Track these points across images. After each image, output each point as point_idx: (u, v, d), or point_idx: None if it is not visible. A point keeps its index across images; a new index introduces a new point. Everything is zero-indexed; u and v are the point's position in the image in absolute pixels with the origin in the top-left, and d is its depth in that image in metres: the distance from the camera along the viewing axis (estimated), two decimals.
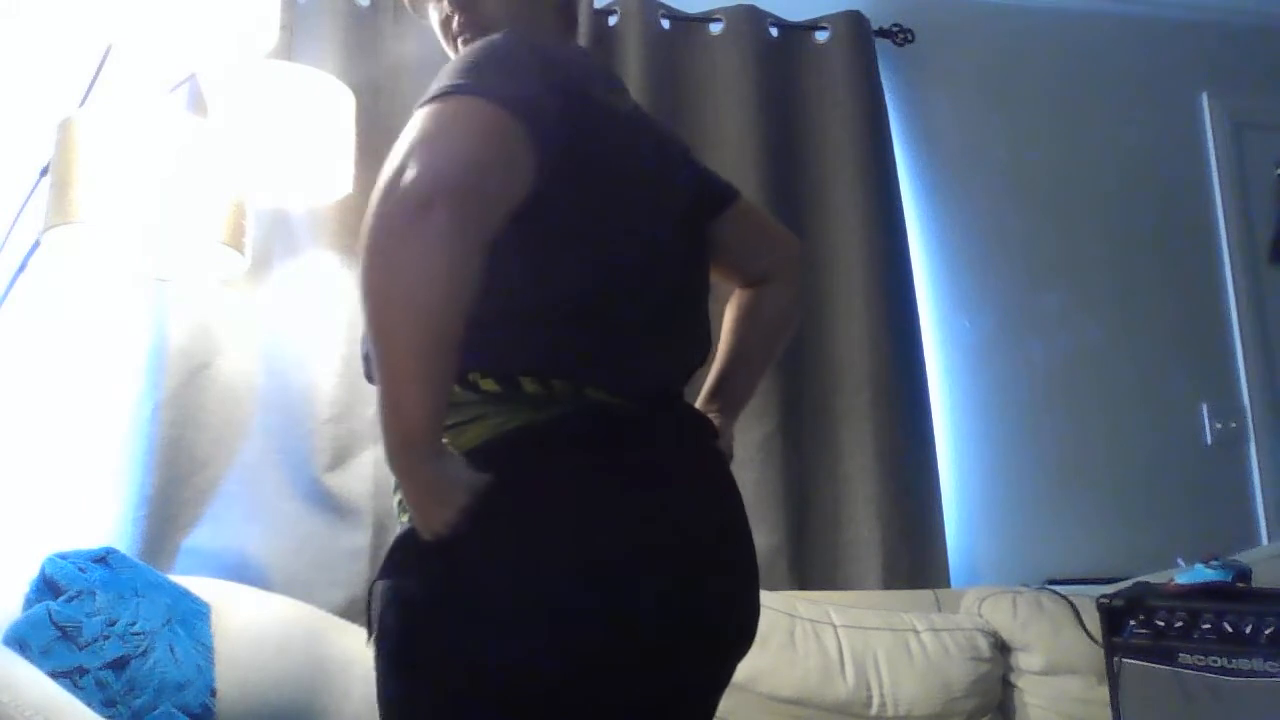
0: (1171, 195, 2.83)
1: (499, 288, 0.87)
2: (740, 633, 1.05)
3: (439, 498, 0.87)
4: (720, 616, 1.00)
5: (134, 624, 1.62)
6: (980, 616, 2.15)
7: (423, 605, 0.91)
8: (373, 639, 0.96)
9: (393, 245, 0.80)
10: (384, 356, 0.82)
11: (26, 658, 1.45)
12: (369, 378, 1.00)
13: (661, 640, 0.92)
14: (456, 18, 1.16)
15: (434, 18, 1.21)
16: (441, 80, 0.91)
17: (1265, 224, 2.87)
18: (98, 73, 1.92)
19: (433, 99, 0.89)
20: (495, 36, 0.99)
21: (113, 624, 1.59)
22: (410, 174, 0.80)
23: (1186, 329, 2.76)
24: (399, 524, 1.00)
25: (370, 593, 0.98)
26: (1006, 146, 2.74)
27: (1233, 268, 2.81)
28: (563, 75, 0.99)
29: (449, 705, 0.89)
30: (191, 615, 1.74)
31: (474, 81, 0.89)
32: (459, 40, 1.17)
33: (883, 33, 2.64)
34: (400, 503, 1.01)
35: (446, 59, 2.51)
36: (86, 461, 2.08)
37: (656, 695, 0.93)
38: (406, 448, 0.85)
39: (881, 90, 2.55)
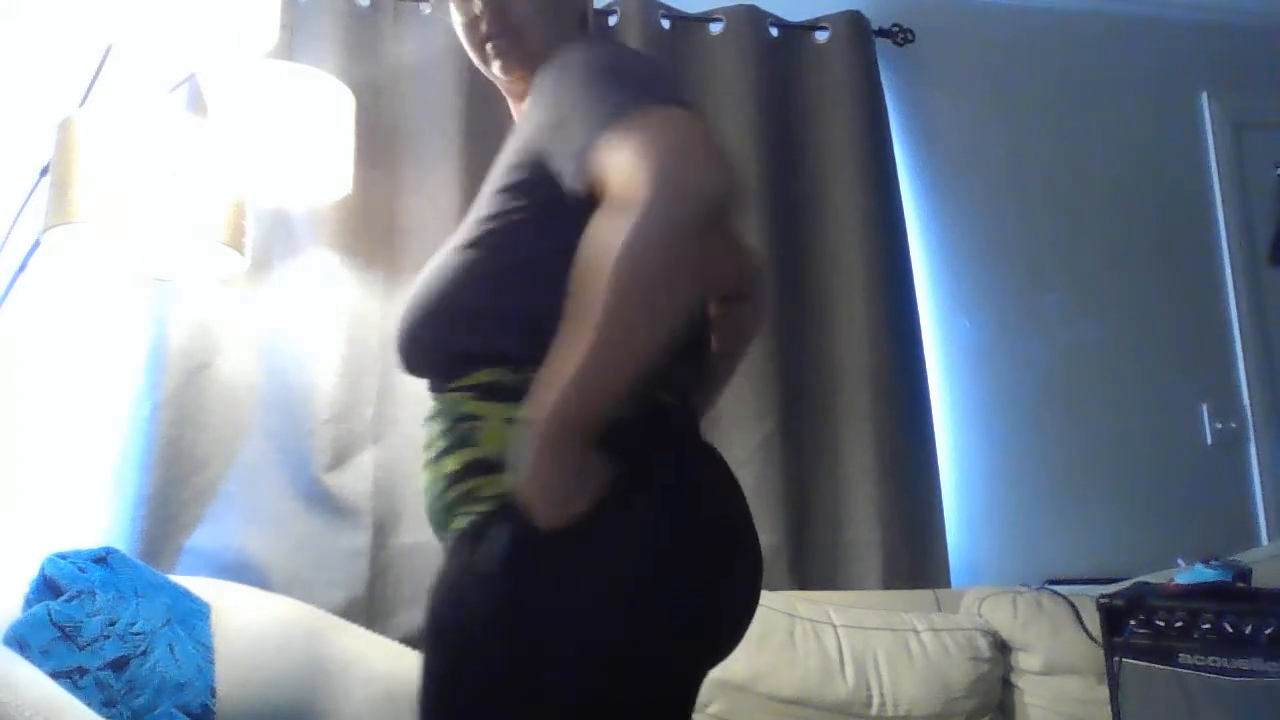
0: (1171, 195, 2.83)
1: None
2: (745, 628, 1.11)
3: (581, 485, 0.88)
4: (749, 612, 1.07)
5: (134, 624, 1.62)
6: (980, 616, 2.15)
7: (542, 590, 0.91)
8: (440, 628, 0.97)
9: (668, 254, 0.81)
10: (607, 343, 0.82)
11: (26, 658, 1.45)
12: (412, 367, 1.12)
13: (727, 627, 1.03)
14: (487, 20, 1.15)
15: (458, 18, 1.20)
16: (623, 88, 0.92)
17: (1265, 224, 2.87)
18: (98, 73, 1.92)
19: (646, 105, 0.88)
20: (608, 44, 1.10)
21: (113, 624, 1.59)
22: (684, 190, 0.81)
23: (1187, 329, 2.76)
24: (466, 516, 0.99)
25: (447, 582, 0.98)
26: (1006, 146, 2.74)
27: (1233, 268, 2.81)
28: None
29: (568, 670, 0.90)
30: (191, 615, 1.74)
31: (674, 95, 0.91)
32: (489, 44, 1.16)
33: (883, 33, 2.64)
34: (468, 494, 1.00)
35: (446, 59, 2.50)
36: (86, 461, 2.08)
37: (698, 680, 1.02)
38: (577, 430, 0.86)
39: (881, 90, 2.55)
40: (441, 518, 1.04)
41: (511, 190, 1.05)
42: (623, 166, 0.83)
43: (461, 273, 1.07)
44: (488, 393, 1.01)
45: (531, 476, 0.86)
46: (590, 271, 0.82)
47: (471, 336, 1.04)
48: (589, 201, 0.87)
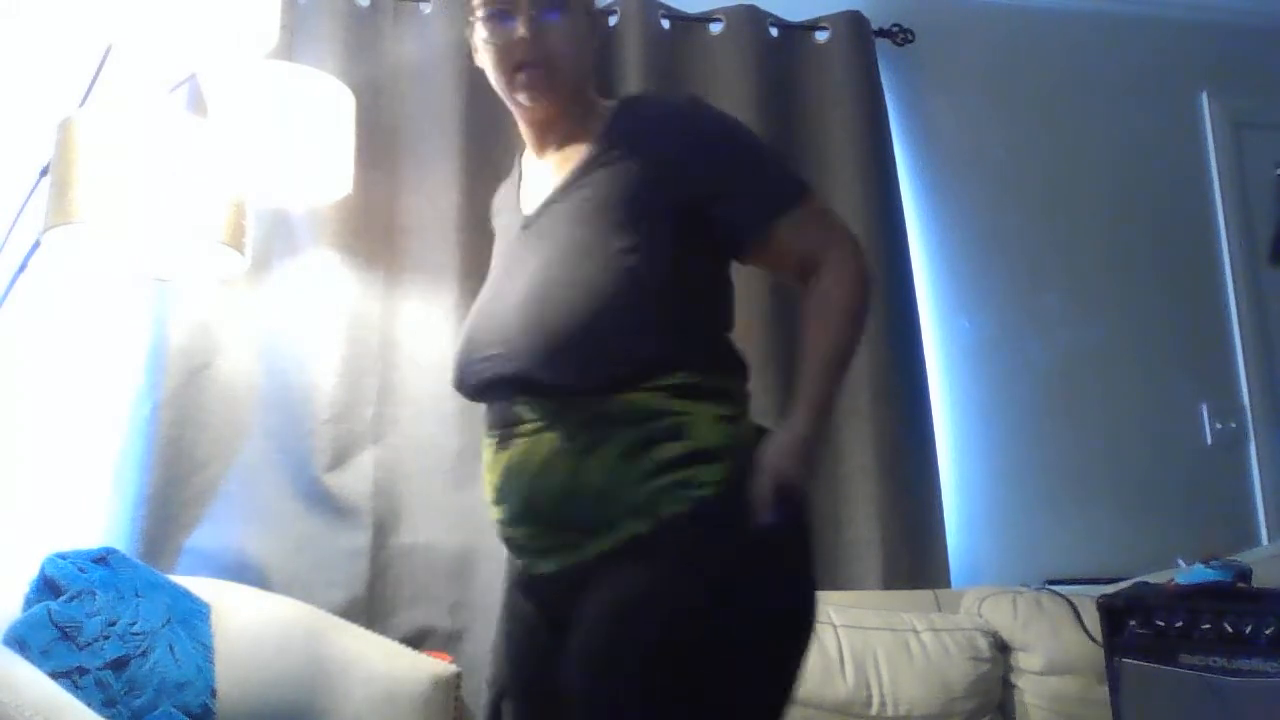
0: (1171, 195, 2.83)
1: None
2: None
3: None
4: None
5: (134, 624, 1.62)
6: (980, 616, 2.15)
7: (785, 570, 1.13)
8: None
9: (868, 298, 1.20)
10: (848, 357, 1.18)
11: (26, 658, 1.45)
12: (557, 373, 1.13)
13: None
14: (526, 48, 1.20)
15: (490, 40, 1.22)
16: (783, 169, 1.27)
17: (1265, 224, 2.87)
18: (98, 73, 1.92)
19: (808, 189, 1.23)
20: (727, 114, 1.27)
21: (113, 624, 1.59)
22: (863, 252, 1.22)
23: (1186, 329, 2.76)
24: (682, 501, 1.09)
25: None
26: (1006, 146, 2.74)
27: (1233, 268, 2.81)
28: None
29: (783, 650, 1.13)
30: (191, 615, 1.74)
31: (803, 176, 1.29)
32: (523, 71, 1.21)
33: (883, 33, 2.64)
34: (686, 481, 1.09)
35: (446, 59, 2.50)
36: (86, 461, 2.08)
37: None
38: (830, 418, 1.24)
39: (881, 90, 2.55)
40: (624, 504, 1.09)
41: (654, 222, 1.17)
42: (828, 239, 1.20)
43: (625, 290, 1.14)
44: (682, 392, 1.12)
45: (807, 450, 1.12)
46: (833, 309, 1.17)
47: (659, 345, 1.14)
48: (741, 247, 1.21)
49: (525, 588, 1.22)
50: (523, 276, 1.18)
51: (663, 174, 1.18)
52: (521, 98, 1.23)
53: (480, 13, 1.24)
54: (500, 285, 1.23)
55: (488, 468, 1.20)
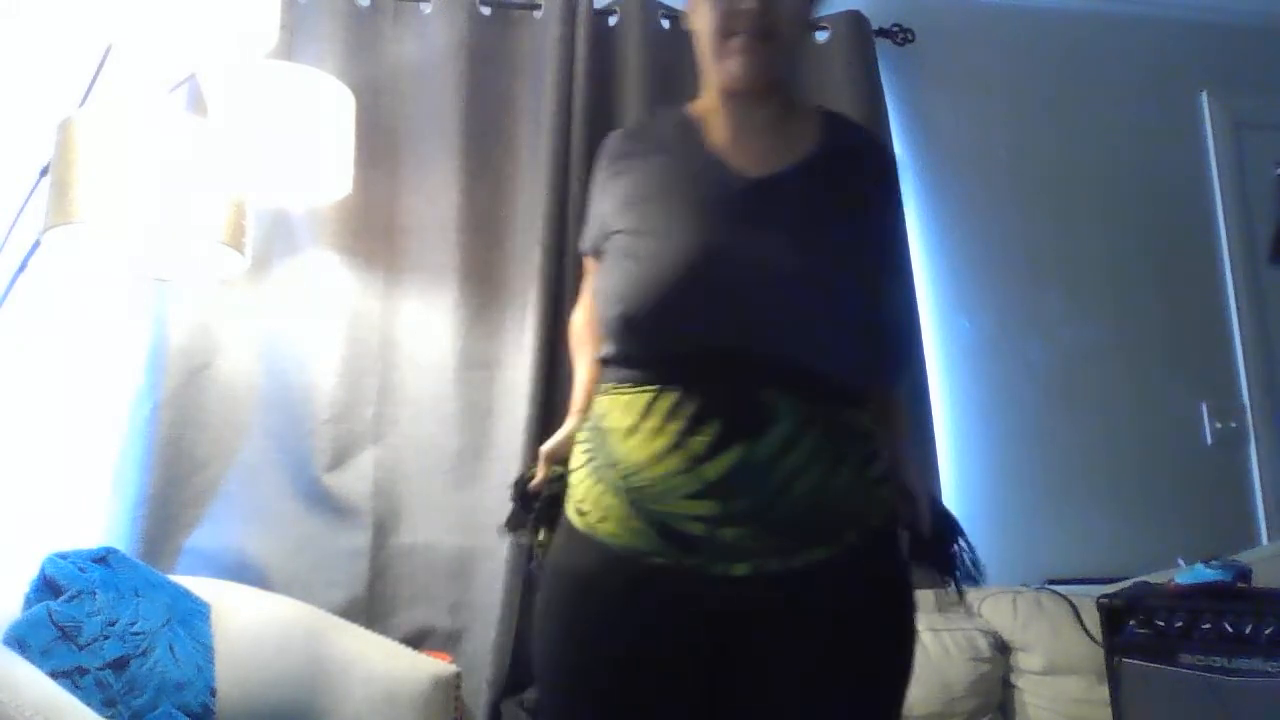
0: (1171, 195, 2.83)
1: None
2: None
3: None
4: None
5: (134, 624, 1.62)
6: (980, 616, 2.15)
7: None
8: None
9: None
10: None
11: (26, 658, 1.45)
12: (837, 370, 1.12)
13: None
14: (753, 17, 1.16)
15: (714, 2, 1.18)
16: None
17: (1265, 224, 2.87)
18: (98, 73, 1.92)
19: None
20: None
21: (113, 624, 1.59)
22: None
23: (1186, 328, 2.76)
24: (878, 519, 1.14)
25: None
26: (1006, 146, 2.74)
27: (1233, 268, 2.81)
28: None
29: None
30: (191, 615, 1.74)
31: None
32: (745, 37, 1.17)
33: (883, 33, 2.63)
34: (882, 502, 1.14)
35: (446, 59, 2.50)
36: (86, 461, 2.08)
37: None
38: None
39: (881, 90, 2.55)
40: (848, 515, 1.10)
41: (875, 243, 1.20)
42: None
43: (882, 300, 1.17)
44: (873, 417, 1.15)
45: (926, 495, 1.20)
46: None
47: (908, 361, 1.21)
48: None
49: (676, 587, 1.08)
50: (770, 247, 1.11)
51: (872, 201, 1.23)
52: (733, 66, 1.18)
53: None
54: (722, 241, 1.12)
55: (687, 455, 1.06)
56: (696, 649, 1.10)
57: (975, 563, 1.25)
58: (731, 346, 1.08)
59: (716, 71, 1.21)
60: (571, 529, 1.16)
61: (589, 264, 1.35)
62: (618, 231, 1.19)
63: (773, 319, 1.08)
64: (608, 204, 1.24)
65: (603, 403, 1.16)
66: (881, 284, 1.18)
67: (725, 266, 1.09)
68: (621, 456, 1.10)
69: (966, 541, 1.26)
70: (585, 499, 1.14)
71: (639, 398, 1.10)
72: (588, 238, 1.33)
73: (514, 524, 1.28)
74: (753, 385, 1.07)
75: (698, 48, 1.23)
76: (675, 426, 1.07)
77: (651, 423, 1.08)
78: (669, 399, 1.08)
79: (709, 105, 1.26)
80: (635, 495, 1.09)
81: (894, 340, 1.16)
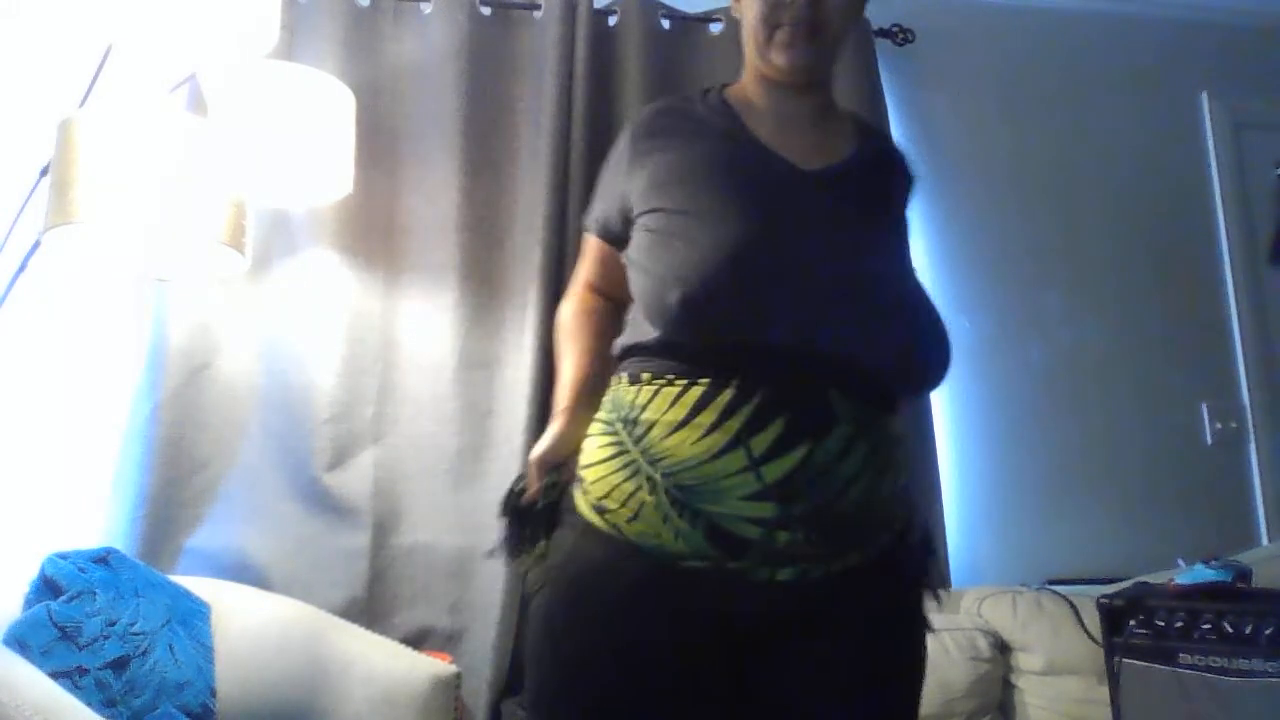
0: (1171, 195, 2.83)
1: None
2: None
3: None
4: None
5: (134, 624, 1.62)
6: (980, 616, 2.15)
7: None
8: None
9: None
10: None
11: (26, 658, 1.45)
12: (910, 378, 1.13)
13: None
14: (802, 6, 1.15)
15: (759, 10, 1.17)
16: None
17: (1265, 224, 2.87)
18: (98, 73, 1.92)
19: None
20: None
21: (113, 624, 1.59)
22: None
23: (1186, 329, 2.76)
24: (896, 525, 1.14)
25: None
26: (1006, 146, 2.74)
27: (1233, 268, 2.81)
28: None
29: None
30: (191, 615, 1.74)
31: None
32: (786, 29, 1.16)
33: (883, 33, 2.63)
34: (900, 508, 1.13)
35: (446, 59, 2.50)
36: (86, 461, 2.08)
37: None
38: None
39: (881, 90, 2.55)
40: (885, 520, 1.10)
41: (907, 247, 1.22)
42: None
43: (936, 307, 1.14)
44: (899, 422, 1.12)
45: None
46: None
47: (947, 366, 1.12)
48: None
49: (710, 589, 1.04)
50: (834, 242, 1.09)
51: (903, 210, 1.24)
52: (779, 58, 1.17)
53: None
54: (786, 230, 1.08)
55: (747, 453, 1.00)
56: (723, 653, 1.06)
57: (941, 575, 1.30)
58: (795, 342, 1.02)
59: (761, 62, 1.20)
60: (587, 527, 1.08)
61: (593, 244, 1.29)
62: (654, 210, 1.12)
63: (839, 316, 1.03)
64: (636, 181, 1.17)
65: (638, 393, 1.07)
66: (925, 289, 1.16)
67: (791, 257, 1.04)
68: (668, 451, 1.02)
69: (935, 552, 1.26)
70: (609, 496, 1.07)
71: (690, 391, 1.02)
72: (600, 213, 1.26)
73: (514, 549, 1.16)
74: (818, 384, 1.02)
75: (744, 35, 1.22)
76: (735, 423, 1.00)
77: (706, 418, 1.01)
78: (727, 394, 1.01)
79: (750, 92, 1.23)
80: (681, 494, 1.02)
81: (948, 345, 1.12)
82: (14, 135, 2.09)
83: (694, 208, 1.08)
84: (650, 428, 1.04)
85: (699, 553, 1.03)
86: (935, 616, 2.08)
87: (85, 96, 1.91)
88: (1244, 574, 1.82)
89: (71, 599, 1.60)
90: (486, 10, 2.39)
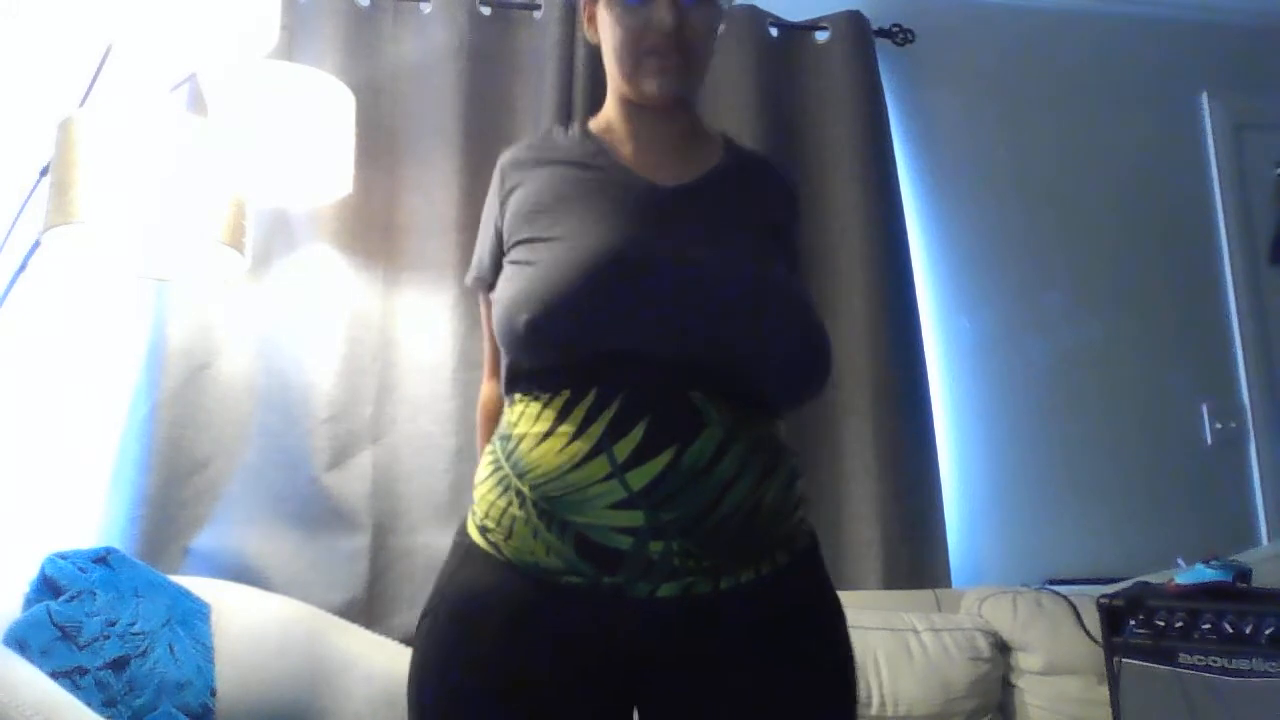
0: (1171, 195, 2.83)
1: None
2: None
3: None
4: None
5: (134, 624, 1.62)
6: (980, 616, 2.15)
7: None
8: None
9: None
10: None
11: (26, 658, 1.45)
12: (804, 383, 1.10)
13: None
14: (671, 36, 1.12)
15: (624, 20, 1.13)
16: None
17: (1265, 224, 2.87)
18: (98, 73, 1.92)
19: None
20: None
21: (113, 624, 1.59)
22: None
23: (1186, 329, 2.76)
24: (803, 538, 1.11)
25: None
26: (1006, 146, 2.74)
27: (1233, 268, 2.81)
28: None
29: None
30: (191, 615, 1.74)
31: None
32: (654, 57, 1.13)
33: (883, 33, 2.64)
34: (803, 519, 1.12)
35: (446, 59, 2.49)
36: (86, 461, 2.08)
37: None
38: None
39: (881, 90, 2.55)
40: (778, 535, 1.05)
41: (785, 252, 1.19)
42: None
43: (813, 308, 1.11)
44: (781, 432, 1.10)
45: None
46: None
47: (830, 372, 1.10)
48: None
49: (590, 609, 1.00)
50: (690, 249, 1.05)
51: (781, 217, 1.22)
52: (649, 86, 1.14)
53: None
54: (640, 241, 1.05)
55: (610, 460, 0.97)
56: (609, 677, 1.01)
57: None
58: (653, 348, 0.99)
59: (629, 88, 1.17)
60: (470, 548, 1.07)
61: (482, 308, 1.28)
62: (517, 244, 1.11)
63: (697, 320, 1.00)
64: (503, 221, 1.17)
65: (512, 411, 1.08)
66: (807, 291, 1.15)
67: (643, 266, 1.02)
68: (533, 464, 1.01)
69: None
70: (488, 514, 1.05)
71: (553, 402, 1.01)
72: (479, 266, 1.24)
73: None
74: (680, 387, 0.99)
75: (606, 60, 1.19)
76: (596, 429, 0.98)
77: (567, 427, 0.99)
78: (586, 401, 0.99)
79: (613, 117, 1.22)
80: (548, 505, 0.99)
81: (826, 352, 1.07)
82: (14, 135, 2.09)
83: (547, 235, 1.08)
84: (519, 441, 1.03)
85: (573, 568, 0.99)
86: (935, 616, 2.12)
87: (85, 96, 1.91)
88: (1244, 574, 1.82)
89: (71, 599, 1.60)
90: (486, 10, 2.39)
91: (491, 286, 1.20)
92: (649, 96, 1.15)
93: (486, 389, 1.33)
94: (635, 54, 1.14)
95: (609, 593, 0.99)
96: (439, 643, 1.05)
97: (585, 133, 1.22)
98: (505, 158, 1.23)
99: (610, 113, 1.22)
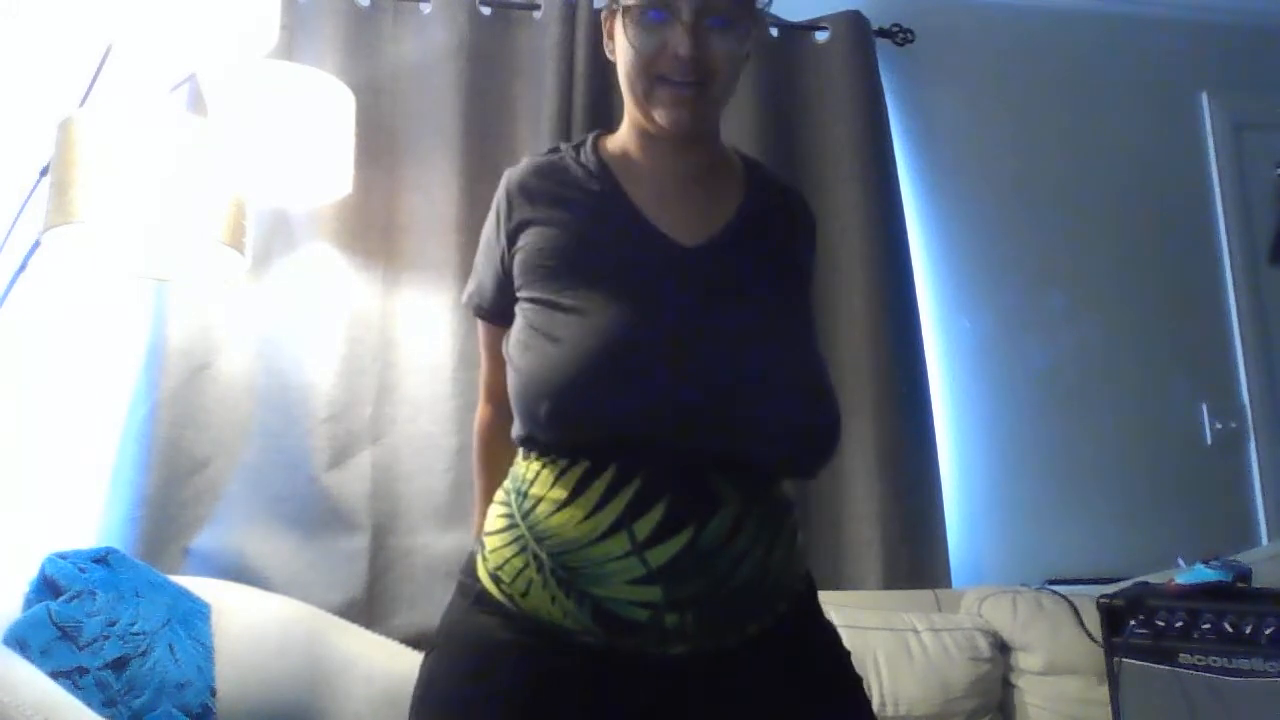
0: (1171, 195, 2.83)
1: None
2: None
3: None
4: None
5: (134, 624, 1.62)
6: (980, 616, 2.15)
7: None
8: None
9: None
10: None
11: (26, 658, 1.45)
12: (815, 461, 1.09)
13: None
14: (687, 61, 1.04)
15: (633, 36, 1.05)
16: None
17: (1265, 224, 2.87)
18: (98, 73, 1.92)
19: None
20: None
21: (113, 624, 1.59)
22: None
23: (1186, 329, 2.76)
24: (798, 587, 1.13)
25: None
26: (1006, 146, 2.74)
27: (1233, 268, 2.81)
28: None
29: None
30: (191, 615, 1.74)
31: None
32: (669, 86, 1.06)
33: (883, 33, 2.64)
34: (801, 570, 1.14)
35: (446, 59, 2.49)
36: (86, 461, 2.08)
37: None
38: None
39: (881, 90, 2.55)
40: (783, 592, 1.08)
41: (804, 306, 1.18)
42: None
43: (828, 373, 1.11)
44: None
45: None
46: None
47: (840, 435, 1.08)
48: None
49: (603, 660, 1.01)
50: (710, 329, 1.02)
51: (805, 264, 1.21)
52: (661, 116, 1.06)
53: (630, 1, 1.05)
54: (658, 322, 1.02)
55: (631, 538, 0.98)
56: (616, 717, 1.03)
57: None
58: (673, 435, 0.98)
59: (642, 116, 1.10)
60: (482, 594, 1.06)
61: (480, 331, 1.26)
62: (531, 300, 1.07)
63: (719, 411, 0.99)
64: (511, 261, 1.12)
65: (528, 467, 1.06)
66: (821, 354, 1.12)
67: (666, 351, 0.99)
68: (553, 531, 1.00)
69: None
70: (503, 569, 1.05)
71: (572, 470, 1.00)
72: (475, 288, 1.21)
73: None
74: (698, 468, 0.99)
75: (621, 81, 1.10)
76: (617, 506, 0.98)
77: (587, 500, 0.99)
78: (606, 477, 0.99)
79: (628, 144, 1.14)
80: (567, 575, 1.00)
81: (838, 423, 1.05)
82: (14, 135, 2.09)
83: (568, 303, 1.03)
84: (537, 503, 1.02)
85: (589, 631, 1.01)
86: (935, 616, 2.12)
87: (85, 96, 1.91)
88: (1244, 574, 1.82)
89: (71, 599, 1.60)
90: (486, 10, 2.39)
91: (493, 318, 1.19)
92: (661, 129, 1.08)
93: (482, 413, 1.32)
94: (648, 79, 1.06)
95: (623, 652, 1.01)
96: (448, 676, 1.05)
97: (600, 163, 1.13)
98: (511, 181, 1.15)
99: (625, 139, 1.15)
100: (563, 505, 1.00)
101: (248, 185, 1.88)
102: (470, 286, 1.24)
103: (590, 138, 1.18)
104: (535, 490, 1.03)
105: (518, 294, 1.10)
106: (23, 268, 1.85)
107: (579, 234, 1.08)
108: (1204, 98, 2.90)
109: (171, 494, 2.04)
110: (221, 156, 1.79)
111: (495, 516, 1.10)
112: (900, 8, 2.68)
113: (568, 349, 0.99)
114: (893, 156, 2.54)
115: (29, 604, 1.61)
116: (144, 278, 2.05)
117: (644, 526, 0.98)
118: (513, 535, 1.05)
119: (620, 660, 1.01)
